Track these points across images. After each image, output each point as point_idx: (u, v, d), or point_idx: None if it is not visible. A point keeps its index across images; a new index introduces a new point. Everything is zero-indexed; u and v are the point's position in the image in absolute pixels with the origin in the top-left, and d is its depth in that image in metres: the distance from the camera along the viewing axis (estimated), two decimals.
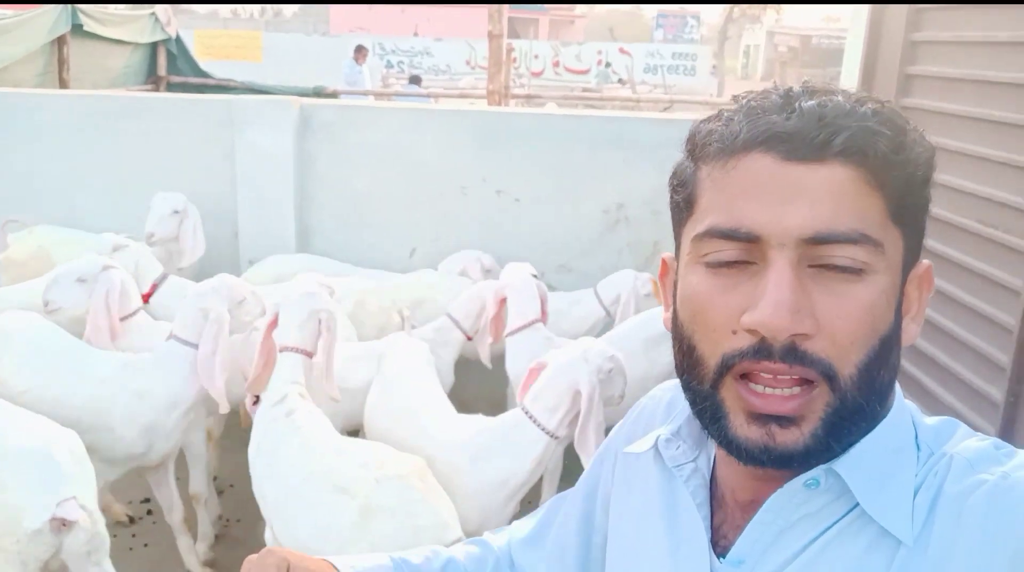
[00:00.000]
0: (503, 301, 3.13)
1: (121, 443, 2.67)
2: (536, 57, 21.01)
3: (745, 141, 0.68)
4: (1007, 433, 2.59)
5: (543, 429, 2.38)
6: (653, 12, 32.27)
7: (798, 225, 0.66)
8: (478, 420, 2.55)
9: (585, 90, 15.34)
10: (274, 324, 2.51)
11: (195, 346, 2.69)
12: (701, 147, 0.73)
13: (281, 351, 2.48)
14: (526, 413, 2.41)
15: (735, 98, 0.74)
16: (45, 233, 4.00)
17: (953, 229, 2.85)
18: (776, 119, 0.67)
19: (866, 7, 3.74)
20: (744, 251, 0.68)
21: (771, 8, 28.35)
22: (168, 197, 3.77)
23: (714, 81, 22.55)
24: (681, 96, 11.21)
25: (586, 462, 2.00)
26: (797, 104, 0.68)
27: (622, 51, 21.70)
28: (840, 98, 0.68)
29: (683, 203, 0.75)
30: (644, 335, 3.23)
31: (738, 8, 27.04)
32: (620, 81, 18.36)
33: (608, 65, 20.86)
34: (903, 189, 0.69)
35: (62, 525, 2.00)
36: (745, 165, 0.68)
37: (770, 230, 0.66)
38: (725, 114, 0.72)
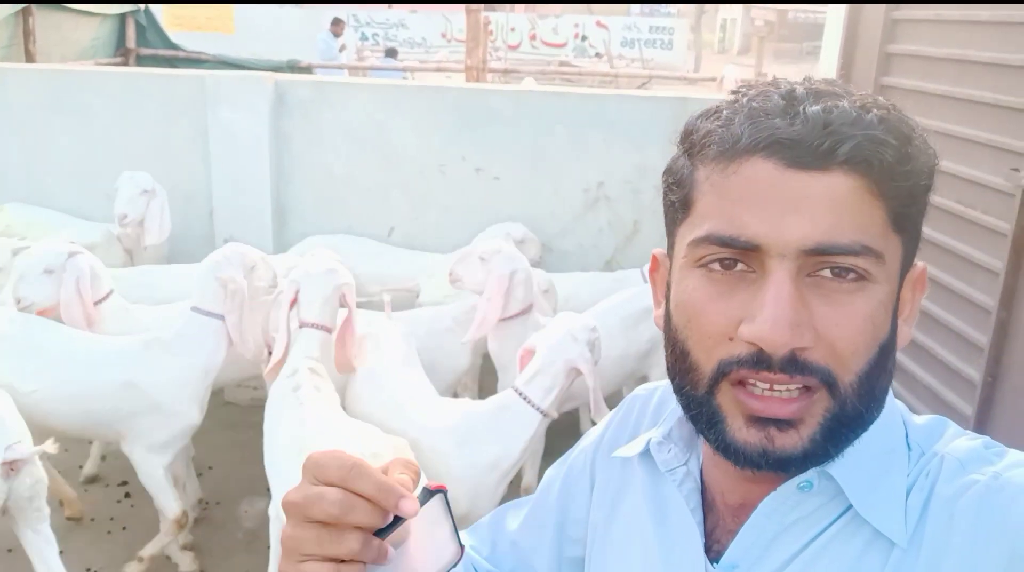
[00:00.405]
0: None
1: (179, 419, 2.72)
2: (513, 30, 20.80)
3: (747, 146, 0.66)
4: (984, 413, 2.63)
5: (537, 409, 2.42)
6: None
7: (799, 236, 0.64)
8: (465, 404, 2.55)
9: (562, 64, 15.26)
10: (294, 302, 2.56)
11: (217, 316, 2.71)
12: (699, 147, 0.70)
13: (301, 327, 2.54)
14: (520, 395, 2.43)
15: (734, 93, 0.72)
16: (15, 212, 3.92)
17: (932, 210, 2.84)
18: (779, 124, 0.65)
19: None
20: (743, 258, 0.67)
21: None
22: (136, 176, 3.67)
23: (691, 55, 22.50)
24: (659, 71, 11.17)
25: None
26: (801, 108, 0.65)
27: (599, 24, 21.54)
28: (846, 103, 0.66)
29: (679, 203, 0.72)
30: (623, 313, 3.24)
31: None
32: (597, 55, 18.27)
33: (585, 39, 20.71)
34: (906, 199, 0.68)
35: (11, 469, 2.17)
36: (746, 171, 0.66)
37: (771, 240, 0.65)
38: (725, 112, 0.69)
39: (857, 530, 0.69)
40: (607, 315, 3.23)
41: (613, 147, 4.03)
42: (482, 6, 5.93)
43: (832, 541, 0.70)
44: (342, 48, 11.05)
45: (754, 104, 0.68)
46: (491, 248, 3.00)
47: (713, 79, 11.39)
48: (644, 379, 3.44)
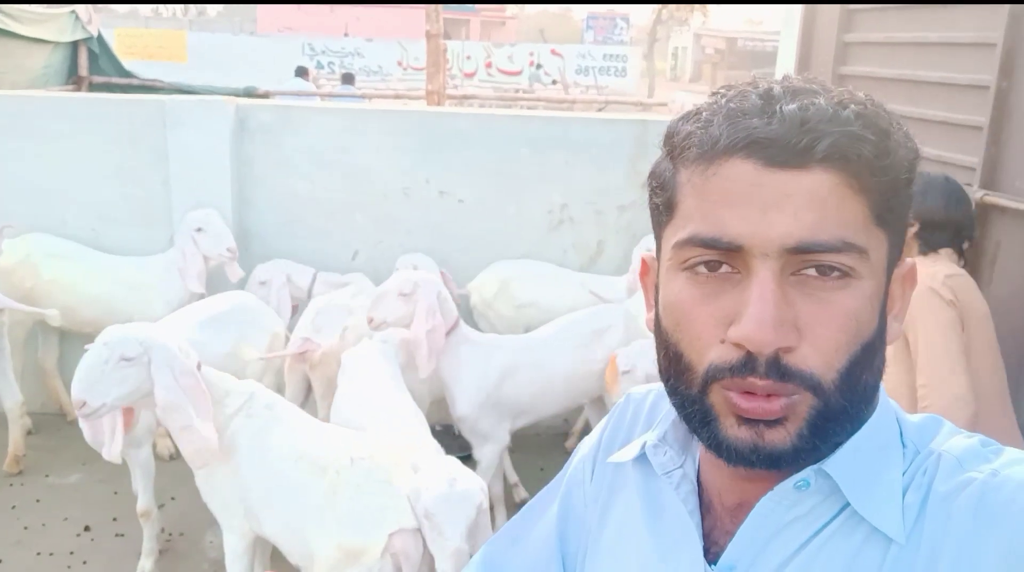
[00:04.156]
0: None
1: None
2: (468, 58, 20.99)
3: (725, 147, 0.66)
4: None
5: None
6: (583, 14, 32.59)
7: (781, 235, 0.65)
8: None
9: (518, 91, 15.39)
10: None
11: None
12: (680, 149, 0.71)
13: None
14: None
15: (713, 94, 0.72)
16: (36, 242, 3.86)
17: None
18: (757, 123, 0.65)
19: (798, 9, 3.83)
20: (727, 258, 0.67)
21: (697, 10, 28.90)
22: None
23: (644, 82, 22.90)
24: (615, 97, 11.33)
25: None
26: (778, 107, 0.66)
27: (554, 52, 21.84)
28: (822, 100, 0.66)
29: (663, 206, 0.73)
30: (577, 331, 3.36)
31: (666, 10, 27.48)
32: (554, 82, 18.47)
33: (540, 67, 20.96)
34: (888, 192, 0.68)
35: None
36: (725, 172, 0.67)
37: (753, 240, 0.65)
38: (704, 114, 0.70)
39: (855, 528, 0.69)
40: (563, 332, 3.32)
41: (576, 169, 4.07)
42: (441, 32, 5.97)
43: (830, 540, 0.69)
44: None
45: (732, 105, 0.68)
46: (407, 280, 3.00)
47: (664, 104, 11.58)
48: (600, 400, 3.46)
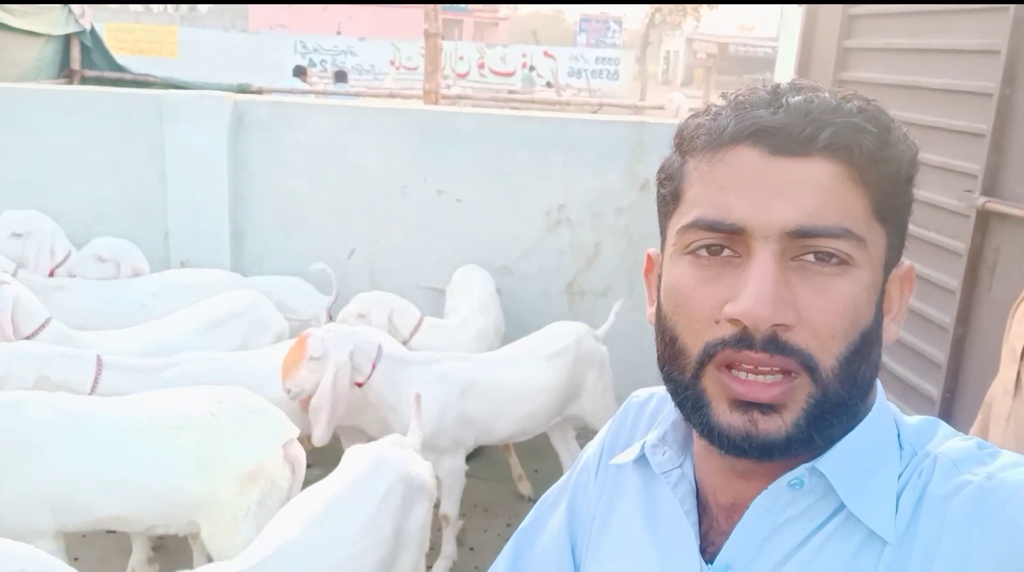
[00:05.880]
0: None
1: None
2: (461, 58, 21.00)
3: (732, 134, 0.69)
4: None
5: None
6: (576, 16, 32.67)
7: (782, 219, 0.67)
8: None
9: (511, 92, 15.38)
10: None
11: None
12: (688, 141, 0.74)
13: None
14: None
15: (723, 95, 0.75)
16: None
17: None
18: (763, 113, 0.68)
19: (799, 13, 3.84)
20: (728, 242, 0.69)
21: (690, 14, 29.00)
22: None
23: (637, 86, 22.96)
24: (609, 100, 11.36)
25: None
26: (784, 99, 0.69)
27: (546, 54, 21.89)
28: (826, 95, 0.70)
29: (670, 196, 0.76)
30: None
31: (659, 13, 27.56)
32: (548, 84, 18.51)
33: (533, 68, 20.99)
34: (887, 187, 0.70)
35: None
36: (731, 158, 0.69)
37: (755, 223, 0.67)
38: (713, 109, 0.73)
39: (852, 529, 0.69)
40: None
41: (574, 170, 4.06)
42: (440, 32, 5.96)
43: (828, 541, 0.70)
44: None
45: (740, 98, 0.72)
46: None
47: (660, 107, 11.61)
48: None
